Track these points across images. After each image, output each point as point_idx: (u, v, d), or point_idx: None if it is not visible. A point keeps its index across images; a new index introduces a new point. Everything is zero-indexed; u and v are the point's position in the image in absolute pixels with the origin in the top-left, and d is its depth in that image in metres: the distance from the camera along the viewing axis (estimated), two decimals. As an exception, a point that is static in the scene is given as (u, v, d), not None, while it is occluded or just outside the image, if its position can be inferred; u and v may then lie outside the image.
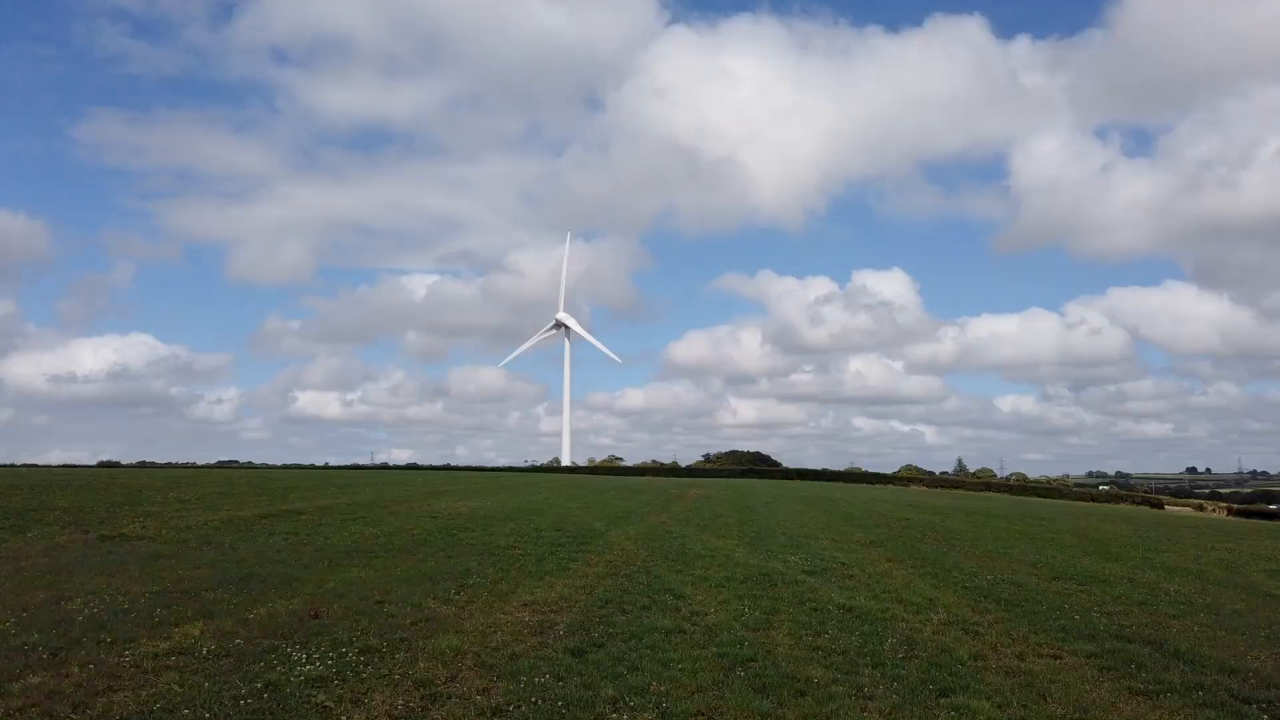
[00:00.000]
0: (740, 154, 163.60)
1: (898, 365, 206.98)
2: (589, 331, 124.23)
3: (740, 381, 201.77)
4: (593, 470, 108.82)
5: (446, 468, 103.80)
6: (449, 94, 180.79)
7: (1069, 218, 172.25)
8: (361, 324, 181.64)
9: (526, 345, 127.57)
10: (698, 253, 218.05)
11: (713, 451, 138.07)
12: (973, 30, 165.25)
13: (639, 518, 27.49)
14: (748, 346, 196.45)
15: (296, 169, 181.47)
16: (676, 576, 14.94)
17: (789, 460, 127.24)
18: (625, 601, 12.48)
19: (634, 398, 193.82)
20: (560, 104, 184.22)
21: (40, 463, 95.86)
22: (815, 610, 12.38)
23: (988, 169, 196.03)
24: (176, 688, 7.79)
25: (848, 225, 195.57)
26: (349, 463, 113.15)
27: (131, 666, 8.36)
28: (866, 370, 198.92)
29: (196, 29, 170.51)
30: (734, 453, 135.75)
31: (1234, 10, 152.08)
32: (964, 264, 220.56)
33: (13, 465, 74.77)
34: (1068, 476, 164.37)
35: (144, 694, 7.60)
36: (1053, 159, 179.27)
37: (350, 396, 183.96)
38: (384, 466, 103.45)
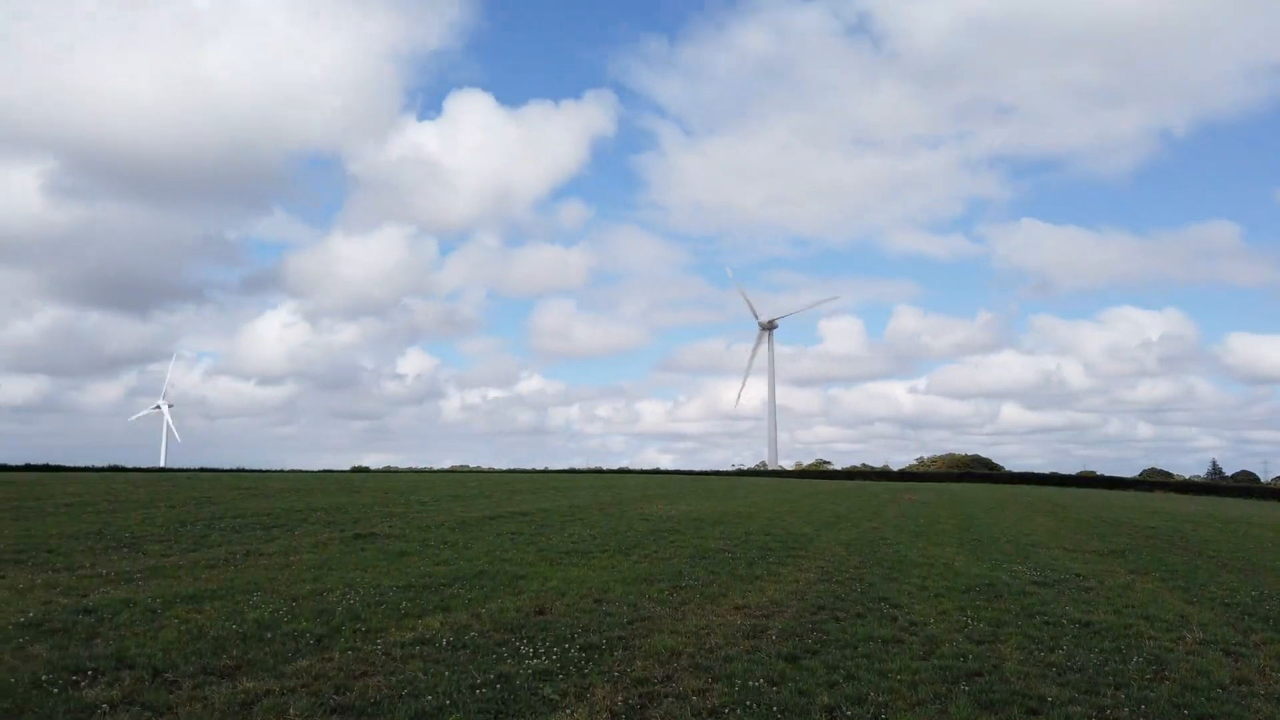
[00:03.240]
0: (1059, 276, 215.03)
1: (1159, 382, 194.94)
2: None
3: (996, 394, 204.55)
4: (800, 474, 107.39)
5: (656, 471, 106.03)
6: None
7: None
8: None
9: (746, 372, 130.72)
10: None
11: (926, 455, 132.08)
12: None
13: (850, 523, 26.86)
14: (1015, 363, 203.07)
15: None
16: (891, 585, 14.49)
17: (1012, 464, 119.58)
18: (838, 608, 12.27)
19: (904, 404, 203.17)
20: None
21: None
22: (1047, 624, 11.61)
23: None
24: (421, 675, 8.49)
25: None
26: (590, 466, 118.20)
27: (383, 654, 9.20)
28: (1134, 386, 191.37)
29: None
30: (949, 456, 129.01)
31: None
32: (1226, 290, 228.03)
33: (289, 470, 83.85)
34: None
35: (394, 679, 8.35)
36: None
37: (667, 413, 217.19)
38: (598, 470, 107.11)
